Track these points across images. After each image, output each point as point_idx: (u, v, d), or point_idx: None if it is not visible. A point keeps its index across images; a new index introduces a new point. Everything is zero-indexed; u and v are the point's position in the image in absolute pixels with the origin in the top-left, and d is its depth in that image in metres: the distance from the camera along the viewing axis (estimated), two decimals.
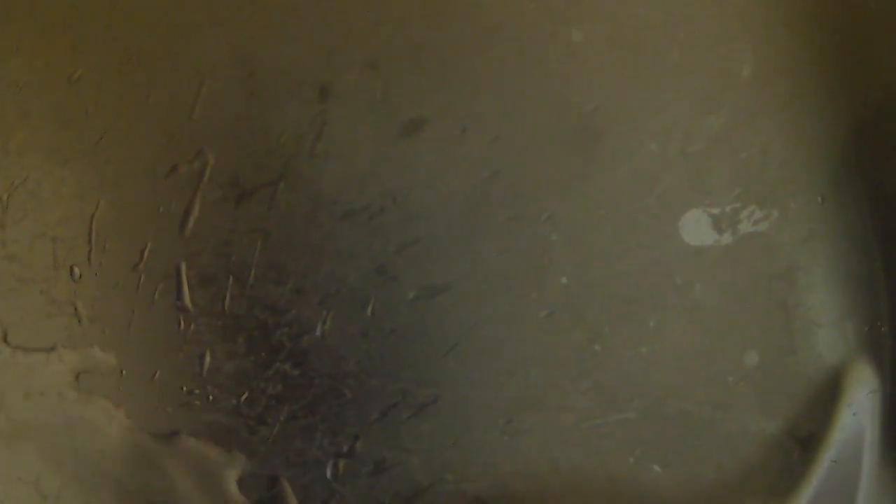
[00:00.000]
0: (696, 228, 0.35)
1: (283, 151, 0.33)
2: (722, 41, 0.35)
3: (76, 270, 0.34)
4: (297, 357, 0.34)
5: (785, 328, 0.35)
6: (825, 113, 0.35)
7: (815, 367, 0.35)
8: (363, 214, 0.33)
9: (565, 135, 0.34)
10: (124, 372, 0.34)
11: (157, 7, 0.34)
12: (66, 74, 0.33)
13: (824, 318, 0.35)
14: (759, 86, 0.35)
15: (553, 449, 0.35)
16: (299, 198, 0.33)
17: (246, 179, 0.33)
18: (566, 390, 0.34)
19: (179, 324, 0.34)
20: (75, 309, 0.34)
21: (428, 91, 0.33)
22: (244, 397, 0.34)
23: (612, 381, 0.35)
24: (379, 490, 0.34)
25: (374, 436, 0.34)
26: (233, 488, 0.35)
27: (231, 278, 0.33)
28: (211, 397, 0.34)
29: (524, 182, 0.34)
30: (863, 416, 0.36)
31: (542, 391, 0.34)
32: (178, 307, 0.34)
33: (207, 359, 0.34)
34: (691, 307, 0.35)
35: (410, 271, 0.33)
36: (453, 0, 0.33)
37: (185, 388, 0.34)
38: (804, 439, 0.35)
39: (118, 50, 0.33)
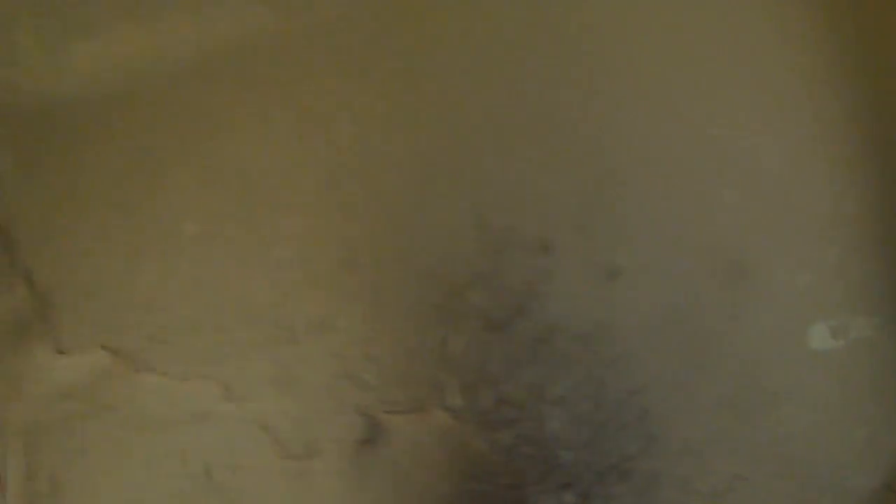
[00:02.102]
0: (819, 337, 0.46)
1: (517, 292, 0.45)
2: (832, 185, 0.46)
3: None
4: (537, 440, 0.45)
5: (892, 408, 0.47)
6: None
7: None
8: (581, 338, 0.45)
9: (719, 273, 0.46)
10: None
11: (410, 181, 0.45)
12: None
13: None
14: (861, 222, 0.47)
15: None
16: (536, 326, 0.46)
17: (493, 314, 0.45)
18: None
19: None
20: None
21: (622, 245, 0.45)
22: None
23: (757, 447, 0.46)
24: None
25: (584, 491, 0.46)
26: None
27: (484, 385, 0.45)
28: None
29: (692, 309, 0.46)
30: None
31: None
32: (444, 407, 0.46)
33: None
34: (816, 395, 0.46)
35: (617, 378, 0.45)
36: (628, 172, 0.45)
37: None
38: None
39: (390, 220, 0.45)
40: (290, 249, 0.43)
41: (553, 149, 0.45)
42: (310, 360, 0.43)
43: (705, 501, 0.45)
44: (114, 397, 0.45)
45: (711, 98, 0.45)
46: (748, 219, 0.46)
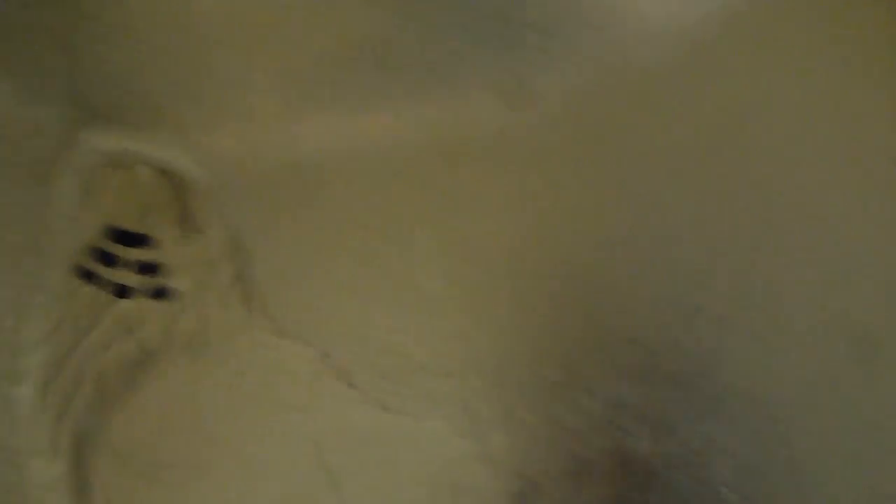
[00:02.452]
0: None
1: (700, 356, 0.47)
2: None
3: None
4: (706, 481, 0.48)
5: None
6: None
7: None
8: (750, 399, 0.48)
9: (844, 347, 0.47)
10: None
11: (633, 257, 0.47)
12: None
13: None
14: None
15: None
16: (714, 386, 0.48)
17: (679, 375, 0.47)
18: None
19: None
20: None
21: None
22: None
23: None
24: None
25: None
26: None
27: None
28: None
29: (804, 386, 0.48)
30: None
31: None
32: None
33: None
34: None
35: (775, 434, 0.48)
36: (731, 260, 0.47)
37: None
38: None
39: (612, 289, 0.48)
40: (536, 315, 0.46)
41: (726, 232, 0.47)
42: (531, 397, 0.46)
43: None
44: None
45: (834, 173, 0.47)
46: (879, 282, 0.47)
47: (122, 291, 0.52)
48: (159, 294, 0.52)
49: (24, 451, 0.55)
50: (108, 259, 0.52)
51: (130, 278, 0.52)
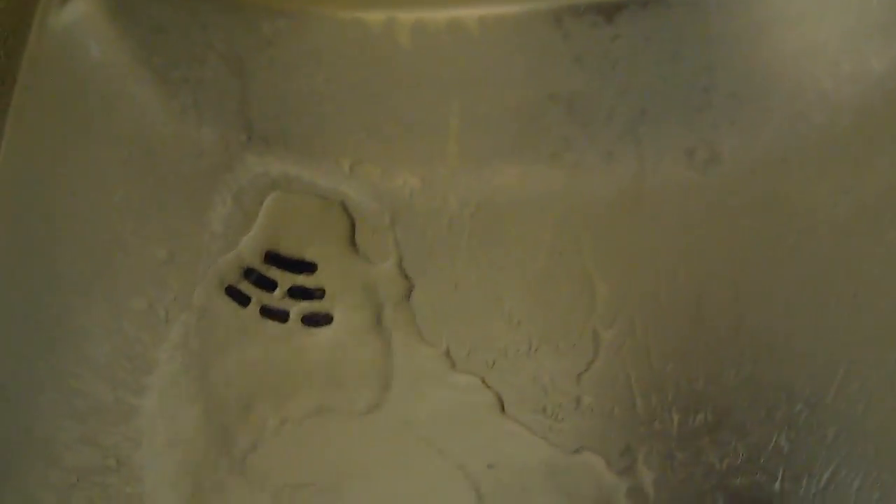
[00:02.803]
0: None
1: None
2: None
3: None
4: None
5: None
6: None
7: None
8: None
9: None
10: None
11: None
12: None
13: None
14: None
15: None
16: None
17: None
18: None
19: None
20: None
21: None
22: None
23: None
24: None
25: None
26: None
27: None
28: None
29: None
30: None
31: None
32: None
33: None
34: None
35: None
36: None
37: None
38: None
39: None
40: None
41: None
42: (684, 438, 0.48)
43: None
44: None
45: None
46: None
47: (274, 314, 0.54)
48: (313, 320, 0.53)
49: (146, 467, 0.56)
50: (264, 282, 0.54)
51: (284, 302, 0.53)
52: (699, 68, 0.44)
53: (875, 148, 0.46)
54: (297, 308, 0.53)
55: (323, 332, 0.53)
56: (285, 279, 0.53)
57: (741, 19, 0.44)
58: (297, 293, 0.53)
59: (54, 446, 0.54)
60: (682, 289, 0.48)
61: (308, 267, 0.52)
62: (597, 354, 0.49)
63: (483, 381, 0.50)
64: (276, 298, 0.53)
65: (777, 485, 0.49)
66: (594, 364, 0.49)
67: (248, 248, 0.53)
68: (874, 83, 0.46)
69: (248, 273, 0.53)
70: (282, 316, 0.53)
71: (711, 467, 0.49)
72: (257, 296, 0.53)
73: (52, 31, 0.52)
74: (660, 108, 0.45)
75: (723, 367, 0.48)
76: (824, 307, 0.47)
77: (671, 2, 0.43)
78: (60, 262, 0.52)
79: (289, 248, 0.53)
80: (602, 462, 0.50)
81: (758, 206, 0.46)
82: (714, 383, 0.48)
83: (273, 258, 0.53)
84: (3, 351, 0.54)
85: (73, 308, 0.54)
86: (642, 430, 0.49)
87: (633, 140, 0.46)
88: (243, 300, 0.54)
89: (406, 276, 0.50)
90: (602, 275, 0.48)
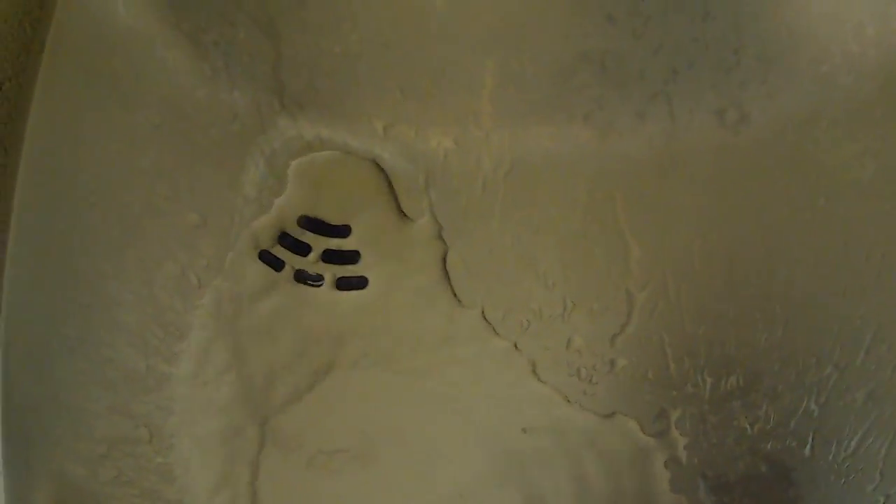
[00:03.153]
0: None
1: None
2: None
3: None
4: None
5: None
6: None
7: None
8: None
9: None
10: None
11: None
12: None
13: None
14: None
15: None
16: None
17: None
18: None
19: None
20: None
21: None
22: None
23: None
24: None
25: None
26: None
27: None
28: None
29: None
30: None
31: None
32: None
33: None
34: None
35: None
36: None
37: None
38: None
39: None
40: None
41: None
42: (716, 401, 0.56)
43: None
44: None
45: None
46: None
47: (308, 278, 0.61)
48: (347, 283, 0.60)
49: (178, 436, 0.63)
50: (298, 246, 0.60)
51: (318, 266, 0.60)
52: (728, 28, 0.50)
53: None
54: (332, 272, 0.60)
55: (357, 296, 0.60)
56: (319, 243, 0.60)
57: None
58: (332, 257, 0.60)
59: (84, 415, 0.59)
60: (714, 250, 0.54)
61: (342, 230, 0.59)
62: (630, 317, 0.55)
63: (515, 346, 0.57)
64: (310, 262, 0.60)
65: (807, 449, 0.55)
66: (628, 326, 0.55)
67: (282, 212, 0.60)
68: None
69: (282, 237, 0.60)
70: (316, 280, 0.60)
71: (743, 431, 0.55)
72: (291, 260, 0.60)
73: None
74: (690, 68, 0.51)
75: (754, 330, 0.54)
76: (852, 269, 0.53)
77: None
78: (91, 228, 0.57)
79: (323, 212, 0.59)
80: (636, 425, 0.57)
81: (786, 167, 0.52)
82: (745, 346, 0.54)
83: (307, 222, 0.60)
84: (32, 318, 0.59)
85: (105, 274, 0.57)
86: (675, 394, 0.56)
87: (665, 100, 0.52)
88: (277, 264, 0.60)
89: (441, 238, 0.57)
90: (635, 236, 0.54)
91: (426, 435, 0.60)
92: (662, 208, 0.54)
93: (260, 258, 0.61)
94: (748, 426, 0.56)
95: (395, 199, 0.58)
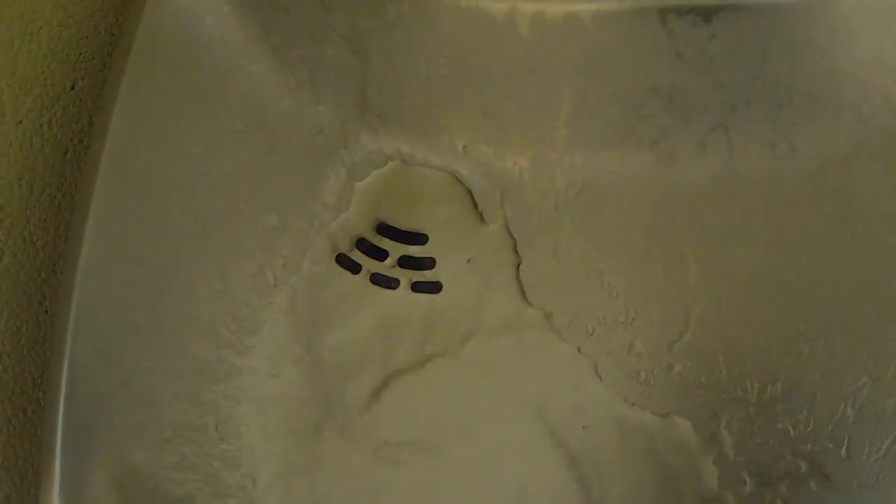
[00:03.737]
0: None
1: None
2: None
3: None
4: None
5: None
6: None
7: None
8: None
9: None
10: None
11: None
12: None
13: None
14: None
15: None
16: None
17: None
18: None
19: None
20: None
21: None
22: None
23: None
24: None
25: None
26: None
27: None
28: None
29: None
30: None
31: None
32: None
33: None
34: None
35: None
36: None
37: None
38: None
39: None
40: None
41: None
42: (762, 407, 0.73)
43: None
44: None
45: None
46: None
47: (384, 281, 0.76)
48: (422, 287, 0.77)
49: (245, 424, 0.73)
50: (375, 251, 0.76)
51: (394, 271, 0.76)
52: (783, 69, 0.66)
53: None
54: (407, 276, 0.76)
55: (431, 298, 0.76)
56: (396, 249, 0.76)
57: (818, 25, 0.61)
58: (408, 262, 0.76)
59: (151, 402, 0.65)
60: (762, 269, 0.71)
61: (419, 238, 0.76)
62: (687, 326, 0.71)
63: (579, 349, 0.73)
64: (386, 267, 0.76)
65: (843, 451, 0.69)
66: (684, 335, 0.72)
67: (360, 219, 0.75)
68: None
69: (360, 242, 0.75)
70: (392, 283, 0.76)
71: (786, 433, 0.70)
72: (368, 264, 0.74)
73: (169, 2, 0.64)
74: (748, 104, 0.68)
75: (797, 343, 0.70)
76: (885, 290, 0.68)
77: (761, 7, 0.64)
78: (170, 224, 0.65)
79: (400, 220, 0.76)
80: (689, 425, 0.72)
81: (829, 197, 0.68)
82: (789, 357, 0.70)
83: (384, 229, 0.76)
84: (108, 305, 0.63)
85: (182, 268, 0.65)
86: (725, 397, 0.72)
87: (724, 132, 0.69)
88: (354, 268, 0.73)
89: (514, 250, 0.74)
90: (694, 254, 0.71)
91: (489, 431, 0.72)
92: (718, 231, 0.71)
93: (337, 261, 0.73)
94: (790, 428, 0.70)
95: (471, 211, 0.75)
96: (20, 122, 0.70)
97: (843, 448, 0.71)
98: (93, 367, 0.62)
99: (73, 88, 0.71)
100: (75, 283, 0.62)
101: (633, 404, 0.76)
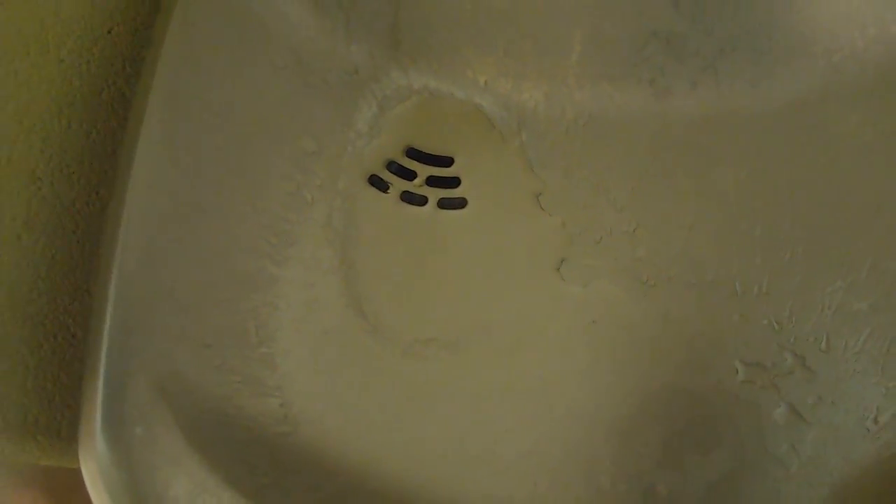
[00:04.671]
0: None
1: None
2: None
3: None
4: None
5: None
6: None
7: None
8: None
9: None
10: None
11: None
12: None
13: None
14: None
15: None
16: None
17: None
18: None
19: None
20: None
21: None
22: None
23: None
24: None
25: None
26: None
27: None
28: None
29: None
30: None
31: None
32: None
33: None
34: None
35: None
36: None
37: None
38: None
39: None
40: None
41: None
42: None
43: None
44: None
45: None
46: None
47: (413, 199, 0.78)
48: (449, 203, 0.79)
49: (283, 329, 0.76)
50: (404, 172, 0.80)
51: (423, 189, 0.79)
52: (765, 20, 0.76)
53: (894, 92, 0.78)
54: (435, 194, 0.79)
55: (457, 213, 0.79)
56: (424, 170, 0.79)
57: None
58: (435, 181, 0.80)
59: (193, 310, 0.70)
60: (747, 187, 0.80)
61: (445, 161, 0.80)
62: (682, 234, 0.81)
63: (588, 258, 0.80)
64: (415, 186, 0.79)
65: (822, 345, 0.74)
66: (680, 241, 0.81)
67: (390, 144, 0.79)
68: (894, 44, 0.76)
69: (390, 164, 0.79)
70: (420, 201, 0.78)
71: (771, 328, 0.78)
72: (398, 183, 0.78)
73: None
74: (734, 49, 0.78)
75: (778, 249, 0.79)
76: (856, 208, 0.76)
77: None
78: (215, 146, 0.70)
79: (427, 145, 0.83)
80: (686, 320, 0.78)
81: (805, 130, 0.78)
82: (771, 261, 0.79)
83: (413, 153, 0.80)
84: (149, 218, 0.68)
85: (223, 187, 0.70)
86: (714, 295, 0.80)
87: (714, 72, 0.80)
88: (384, 186, 0.78)
89: (530, 169, 0.82)
90: (687, 174, 0.81)
91: (511, 327, 0.78)
92: (708, 155, 0.81)
93: (369, 181, 0.78)
94: (775, 324, 0.75)
95: (492, 136, 0.83)
96: (62, 60, 0.75)
97: (823, 342, 0.76)
98: (140, 278, 0.66)
99: (109, 32, 0.75)
100: (125, 198, 0.66)
101: (637, 303, 0.83)
